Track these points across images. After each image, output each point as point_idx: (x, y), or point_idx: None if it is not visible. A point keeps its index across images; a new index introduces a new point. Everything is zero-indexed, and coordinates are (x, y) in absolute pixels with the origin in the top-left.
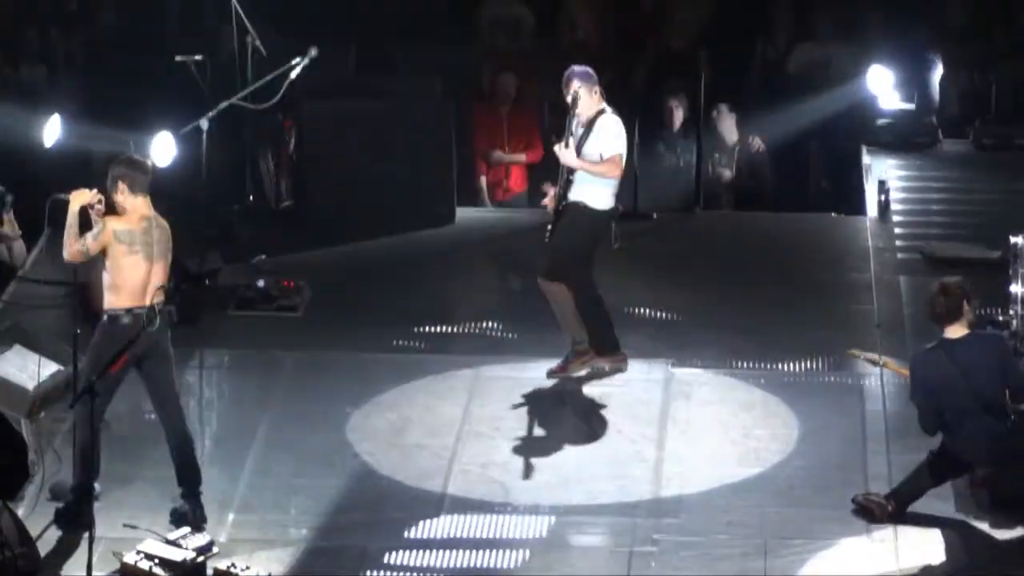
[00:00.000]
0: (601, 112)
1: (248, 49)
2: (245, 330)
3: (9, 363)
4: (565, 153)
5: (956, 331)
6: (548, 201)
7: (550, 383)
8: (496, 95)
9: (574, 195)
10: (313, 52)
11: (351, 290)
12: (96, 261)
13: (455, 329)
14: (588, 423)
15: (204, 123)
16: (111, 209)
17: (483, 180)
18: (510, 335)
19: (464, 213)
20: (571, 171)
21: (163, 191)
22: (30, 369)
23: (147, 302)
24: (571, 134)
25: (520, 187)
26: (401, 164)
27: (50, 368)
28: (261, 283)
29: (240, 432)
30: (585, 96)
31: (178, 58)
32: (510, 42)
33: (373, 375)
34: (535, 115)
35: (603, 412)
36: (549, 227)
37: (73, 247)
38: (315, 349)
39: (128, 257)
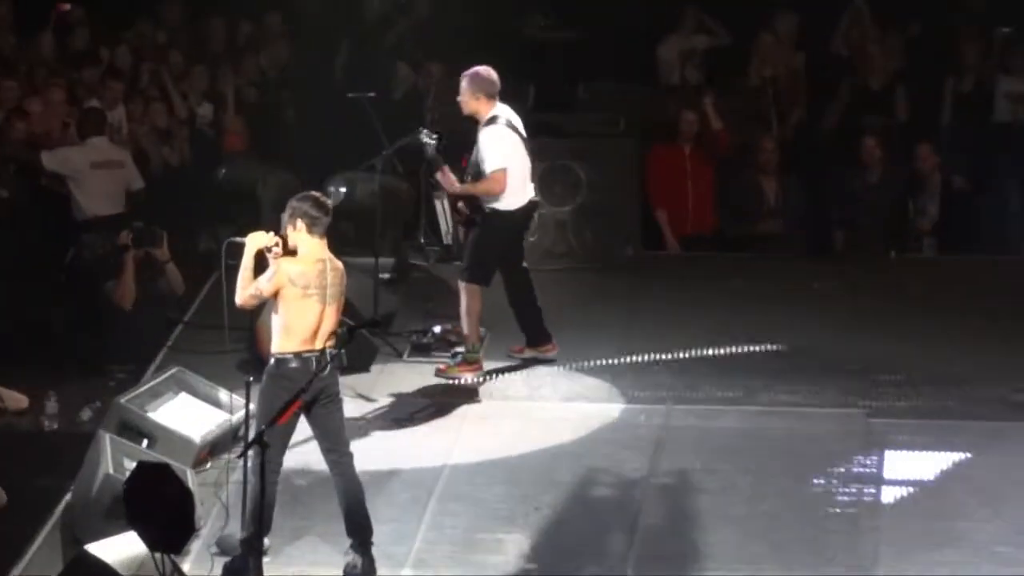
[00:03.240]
0: (490, 121)
1: (427, 86)
2: (419, 378)
3: (174, 412)
4: (445, 182)
5: None
6: (462, 216)
7: (740, 430)
8: (679, 132)
9: (484, 203)
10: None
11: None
12: (266, 303)
13: (636, 375)
14: (783, 477)
15: (379, 162)
16: (287, 251)
17: (663, 217)
18: (694, 381)
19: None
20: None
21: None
22: (196, 418)
23: (318, 346)
24: (436, 167)
25: (707, 224)
26: (584, 203)
27: (217, 417)
28: (437, 328)
29: (415, 484)
30: (471, 103)
31: (350, 95)
32: (693, 79)
33: (554, 425)
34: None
35: (799, 466)
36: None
37: (246, 292)
38: (492, 399)
39: (302, 301)
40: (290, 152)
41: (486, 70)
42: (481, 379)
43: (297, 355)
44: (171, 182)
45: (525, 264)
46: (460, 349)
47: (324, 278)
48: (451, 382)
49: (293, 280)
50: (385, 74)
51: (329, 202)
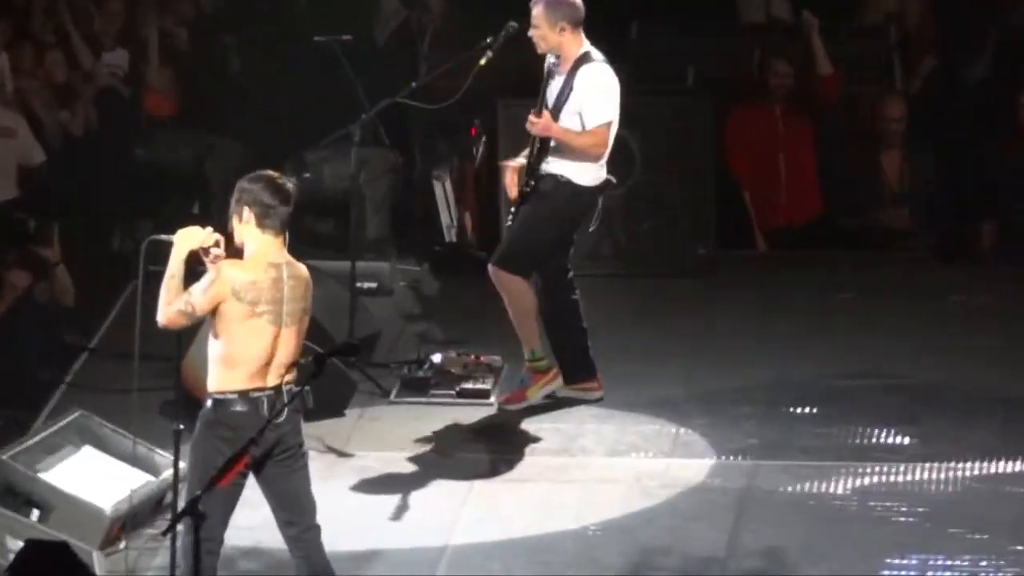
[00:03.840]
0: (584, 58)
1: (421, 26)
2: (412, 425)
3: (76, 472)
4: (538, 123)
5: None
6: (509, 182)
7: (852, 495)
8: (768, 89)
9: (551, 168)
10: (511, 27)
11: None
12: (201, 324)
13: (710, 420)
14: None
15: (356, 131)
16: (231, 253)
17: (747, 199)
18: (788, 429)
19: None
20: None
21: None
22: (105, 480)
23: (271, 383)
24: (545, 97)
25: (807, 213)
26: (639, 185)
27: (135, 479)
28: (437, 357)
29: (405, 570)
30: (551, 36)
31: (317, 38)
32: (786, 15)
33: (597, 490)
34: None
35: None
36: (512, 210)
37: (172, 307)
38: (504, 449)
39: (249, 321)
40: (235, 118)
41: None
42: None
43: (243, 395)
44: (71, 156)
45: (571, 269)
46: (479, 384)
47: (280, 290)
48: (520, 406)
49: (238, 292)
50: (365, 9)
51: (289, 185)
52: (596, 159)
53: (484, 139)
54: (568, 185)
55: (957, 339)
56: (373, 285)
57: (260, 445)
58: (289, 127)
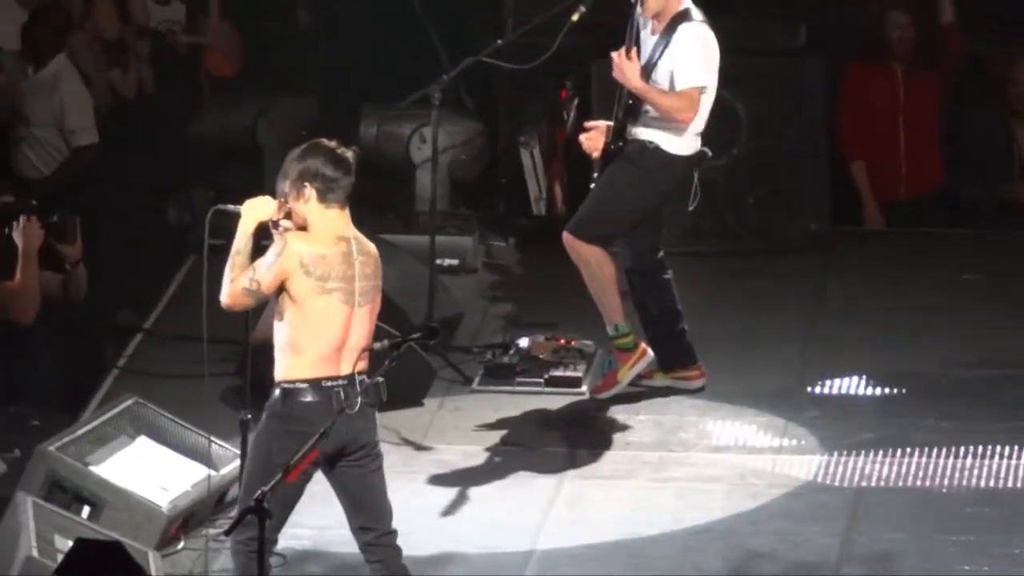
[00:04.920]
0: (683, 16)
1: None
2: (495, 416)
3: (130, 465)
4: (625, 65)
5: None
6: (592, 143)
7: (981, 493)
8: (887, 45)
9: (640, 132)
10: None
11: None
12: (267, 304)
13: (822, 412)
14: None
15: (436, 92)
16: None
17: (861, 174)
18: (908, 422)
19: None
20: (633, 95)
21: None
22: (162, 474)
23: (345, 371)
24: (634, 42)
25: (928, 184)
26: (744, 155)
27: (194, 473)
28: (524, 342)
29: (492, 569)
30: None
31: None
32: None
33: (698, 488)
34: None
35: None
36: (595, 174)
37: (236, 285)
38: (596, 443)
39: (319, 298)
40: (303, 77)
41: None
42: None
43: (313, 384)
44: (122, 121)
45: (660, 249)
46: (569, 371)
47: (351, 266)
48: (613, 392)
49: (307, 266)
50: None
51: (349, 154)
52: (684, 123)
53: (576, 102)
54: (657, 152)
55: None
56: (455, 262)
57: (331, 440)
58: (359, 88)
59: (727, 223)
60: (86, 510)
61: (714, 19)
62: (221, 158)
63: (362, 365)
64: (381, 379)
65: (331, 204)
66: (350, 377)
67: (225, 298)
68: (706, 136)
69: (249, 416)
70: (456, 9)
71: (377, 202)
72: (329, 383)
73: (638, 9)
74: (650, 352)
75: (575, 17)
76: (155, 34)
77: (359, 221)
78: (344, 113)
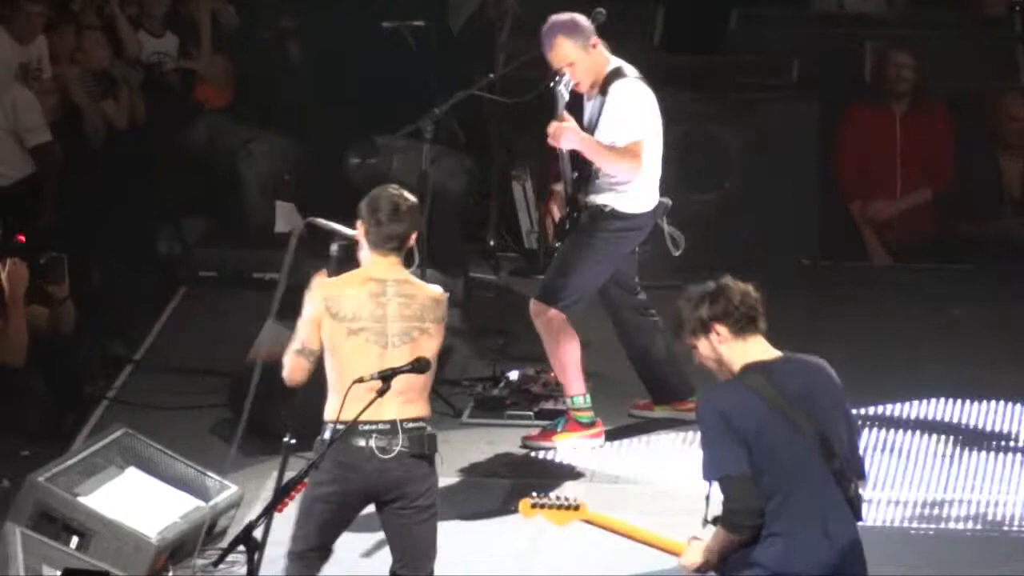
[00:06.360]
0: (615, 74)
1: (499, 12)
2: (486, 449)
3: (120, 496)
4: (559, 131)
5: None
6: (554, 215)
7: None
8: (886, 84)
9: (594, 199)
10: (600, 14)
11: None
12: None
13: None
14: None
15: (427, 126)
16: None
17: (856, 209)
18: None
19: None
20: (582, 163)
21: None
22: (152, 506)
23: (388, 415)
24: (561, 107)
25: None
26: (735, 190)
27: (184, 505)
28: (514, 375)
29: None
30: (579, 55)
31: (386, 24)
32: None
33: (696, 519)
34: (942, 117)
35: None
36: (557, 244)
37: (289, 352)
38: (586, 476)
39: (350, 340)
40: (295, 110)
41: (573, 15)
42: (601, 445)
43: (351, 426)
44: (115, 151)
45: (640, 292)
46: (559, 405)
47: (381, 306)
48: (540, 447)
49: (331, 308)
50: None
51: (404, 203)
52: (630, 179)
53: None
54: (614, 214)
55: None
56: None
57: (357, 481)
58: (352, 122)
59: (718, 257)
60: (75, 540)
61: (702, 56)
62: (208, 192)
63: (412, 411)
64: (430, 429)
65: (374, 247)
66: (392, 423)
67: (286, 373)
68: (697, 170)
69: (294, 440)
70: (448, 43)
71: None
72: (367, 426)
73: (563, 80)
74: (602, 437)
75: None
76: (147, 67)
77: None
78: (331, 145)
